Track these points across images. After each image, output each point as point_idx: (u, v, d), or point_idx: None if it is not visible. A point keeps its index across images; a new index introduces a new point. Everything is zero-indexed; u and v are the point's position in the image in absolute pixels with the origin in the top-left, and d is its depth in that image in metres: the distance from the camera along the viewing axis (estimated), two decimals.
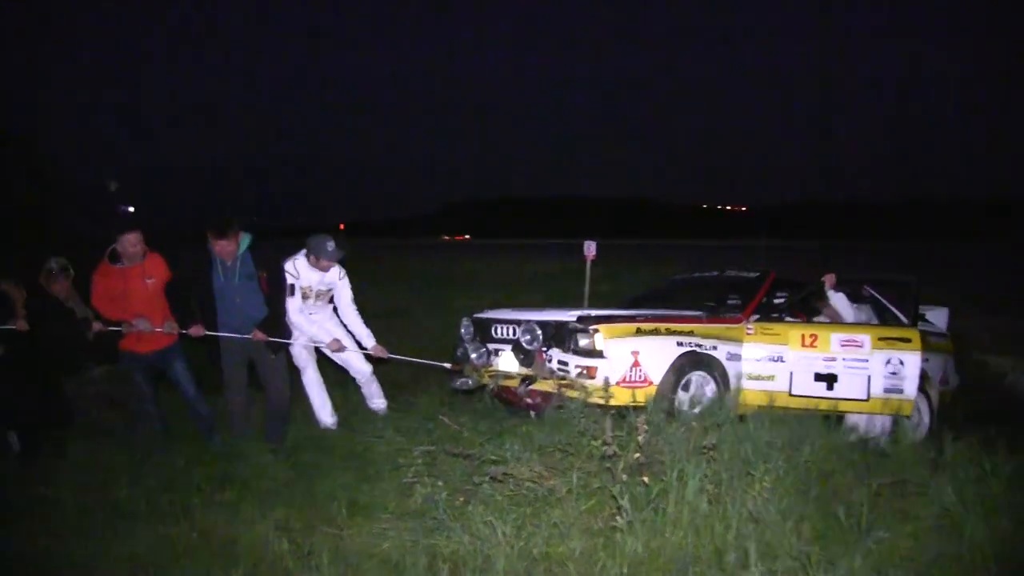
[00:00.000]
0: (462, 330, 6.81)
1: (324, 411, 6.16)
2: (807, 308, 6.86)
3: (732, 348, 6.21)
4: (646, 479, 3.74)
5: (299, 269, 6.00)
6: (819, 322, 6.74)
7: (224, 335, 5.68)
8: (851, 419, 6.35)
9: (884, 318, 6.91)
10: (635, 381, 5.68)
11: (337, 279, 6.22)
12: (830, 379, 6.24)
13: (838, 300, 6.72)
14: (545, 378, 5.75)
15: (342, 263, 6.23)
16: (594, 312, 6.12)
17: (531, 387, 5.86)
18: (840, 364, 6.25)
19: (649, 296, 7.74)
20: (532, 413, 6.34)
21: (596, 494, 3.88)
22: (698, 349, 5.99)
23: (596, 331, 5.72)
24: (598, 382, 5.53)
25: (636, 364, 5.72)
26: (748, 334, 6.34)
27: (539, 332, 6.05)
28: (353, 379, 6.47)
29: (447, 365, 6.47)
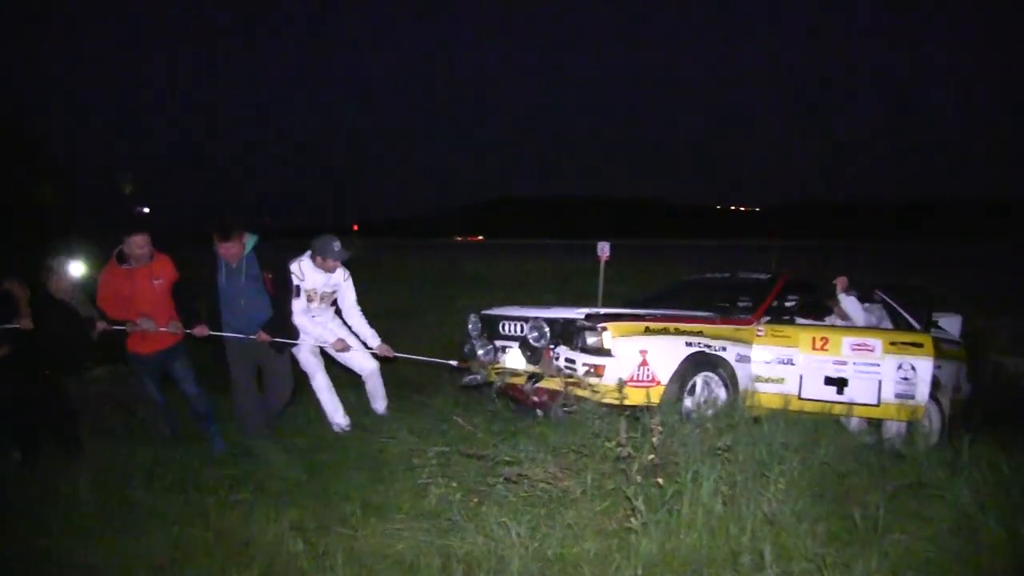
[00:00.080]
0: (469, 326, 6.79)
1: (337, 414, 6.15)
2: (818, 308, 6.84)
3: (742, 350, 6.18)
4: (660, 480, 3.73)
5: (304, 271, 6.00)
6: (830, 324, 6.71)
7: (229, 335, 5.70)
8: (854, 422, 6.33)
9: (896, 323, 6.85)
10: (643, 380, 5.65)
11: (342, 280, 6.23)
12: (840, 383, 6.19)
13: (849, 303, 6.69)
14: (552, 376, 5.72)
15: (347, 264, 6.24)
16: (603, 310, 6.10)
17: (538, 385, 5.84)
18: (851, 368, 6.21)
19: (660, 296, 7.70)
20: (539, 411, 6.33)
21: (610, 495, 3.87)
22: (707, 350, 5.95)
23: (604, 329, 5.69)
24: (605, 381, 5.53)
25: (644, 363, 5.69)
26: (758, 336, 6.31)
27: (547, 329, 6.02)
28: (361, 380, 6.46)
29: (454, 363, 6.46)
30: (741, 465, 3.96)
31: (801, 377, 6.23)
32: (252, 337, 5.68)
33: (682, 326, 6.01)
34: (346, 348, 6.13)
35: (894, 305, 6.96)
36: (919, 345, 6.31)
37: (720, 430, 4.37)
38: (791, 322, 6.53)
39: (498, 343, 6.50)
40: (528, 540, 3.59)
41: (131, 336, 5.67)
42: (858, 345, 6.25)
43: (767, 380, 6.16)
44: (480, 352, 6.45)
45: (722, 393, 5.93)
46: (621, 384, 4.96)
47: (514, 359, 6.16)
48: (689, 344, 5.89)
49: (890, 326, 6.87)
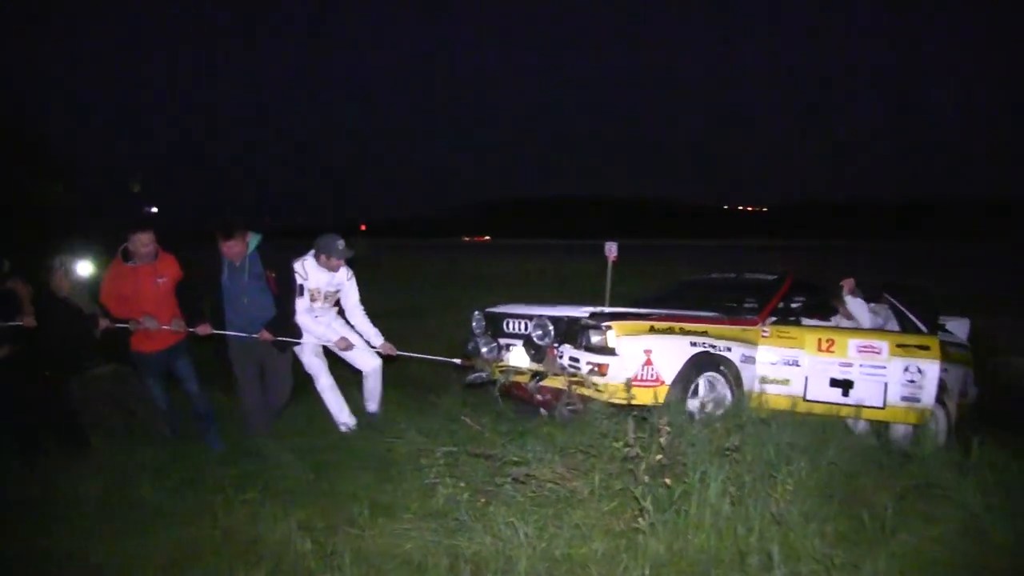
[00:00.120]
0: (473, 324, 6.77)
1: (343, 414, 6.15)
2: (823, 309, 6.81)
3: (747, 350, 6.15)
4: (668, 481, 3.73)
5: (308, 270, 6.00)
6: (835, 326, 6.69)
7: (232, 334, 5.71)
8: (860, 424, 6.31)
9: (903, 325, 6.82)
10: (647, 380, 5.62)
11: (345, 279, 6.23)
12: (846, 385, 6.16)
13: (856, 305, 6.66)
14: (555, 374, 5.72)
15: (351, 263, 6.24)
16: (607, 309, 6.08)
17: (541, 383, 5.83)
18: (856, 370, 6.17)
19: (666, 296, 7.65)
20: (542, 410, 6.31)
21: (618, 496, 3.88)
22: (711, 350, 5.93)
23: (608, 328, 5.66)
24: (609, 380, 5.51)
25: (648, 363, 5.65)
26: (763, 336, 6.29)
27: (551, 327, 5.99)
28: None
29: (457, 361, 6.46)
30: (749, 465, 3.96)
31: (806, 379, 6.20)
32: (255, 336, 5.68)
33: (687, 326, 5.98)
34: (349, 346, 6.13)
35: (900, 307, 6.93)
36: (926, 348, 6.28)
37: (728, 430, 4.36)
38: (797, 323, 6.51)
39: (502, 341, 6.48)
40: (536, 540, 3.59)
41: (135, 335, 5.68)
42: (864, 347, 6.22)
43: (772, 381, 6.13)
44: (484, 350, 6.45)
45: (727, 394, 5.90)
46: (629, 384, 4.95)
47: (518, 357, 6.14)
48: (694, 344, 5.87)
49: (896, 327, 6.84)
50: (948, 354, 6.72)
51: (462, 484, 4.13)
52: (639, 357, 5.65)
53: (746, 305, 6.69)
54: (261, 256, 5.76)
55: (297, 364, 6.17)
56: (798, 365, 6.22)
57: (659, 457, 3.80)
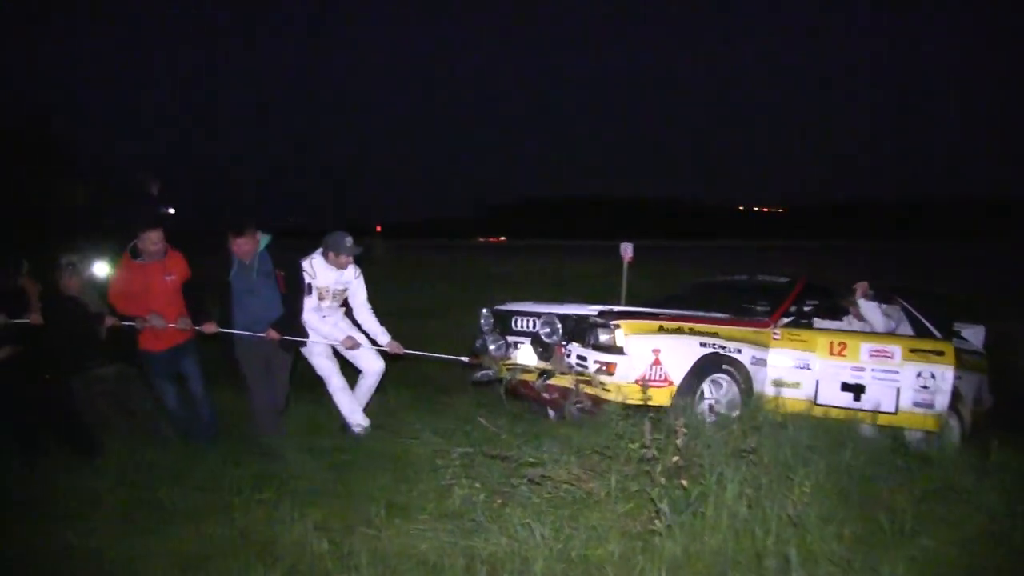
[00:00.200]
0: (482, 321, 6.73)
1: (355, 415, 6.12)
2: (836, 311, 6.76)
3: (757, 352, 6.09)
4: (685, 483, 3.71)
5: (316, 268, 5.98)
6: (848, 329, 6.63)
7: (239, 333, 5.71)
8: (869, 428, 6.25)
9: (917, 329, 6.73)
10: (655, 380, 5.56)
11: (353, 278, 6.20)
12: (857, 389, 6.10)
13: (869, 309, 6.60)
14: (563, 373, 5.69)
15: (358, 261, 6.23)
16: (616, 308, 6.00)
17: (548, 382, 5.79)
18: (869, 374, 6.11)
19: (677, 297, 7.57)
20: (549, 410, 6.28)
21: (634, 497, 3.86)
22: (721, 351, 5.87)
23: (617, 326, 5.61)
24: (617, 379, 5.48)
25: (657, 362, 5.60)
26: (775, 339, 6.23)
27: (559, 325, 5.94)
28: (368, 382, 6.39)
29: (465, 359, 6.43)
30: (766, 467, 3.94)
31: (817, 382, 6.13)
32: (261, 335, 5.69)
33: (697, 326, 5.92)
34: (356, 346, 6.08)
35: (913, 311, 6.85)
36: (940, 353, 6.22)
37: (744, 432, 4.34)
38: (809, 326, 6.46)
39: (510, 339, 6.44)
40: (552, 541, 3.58)
41: (142, 333, 5.70)
42: (877, 351, 6.16)
43: (783, 384, 6.02)
44: (492, 347, 6.41)
45: (736, 396, 5.85)
46: (647, 385, 4.92)
47: (525, 355, 6.12)
48: (704, 345, 5.81)
49: (909, 330, 6.77)
50: (963, 361, 6.63)
51: (478, 485, 4.12)
52: (647, 357, 5.60)
53: (758, 307, 6.64)
54: (270, 255, 5.76)
55: (305, 365, 6.18)
56: (809, 368, 6.16)
57: (676, 459, 3.79)
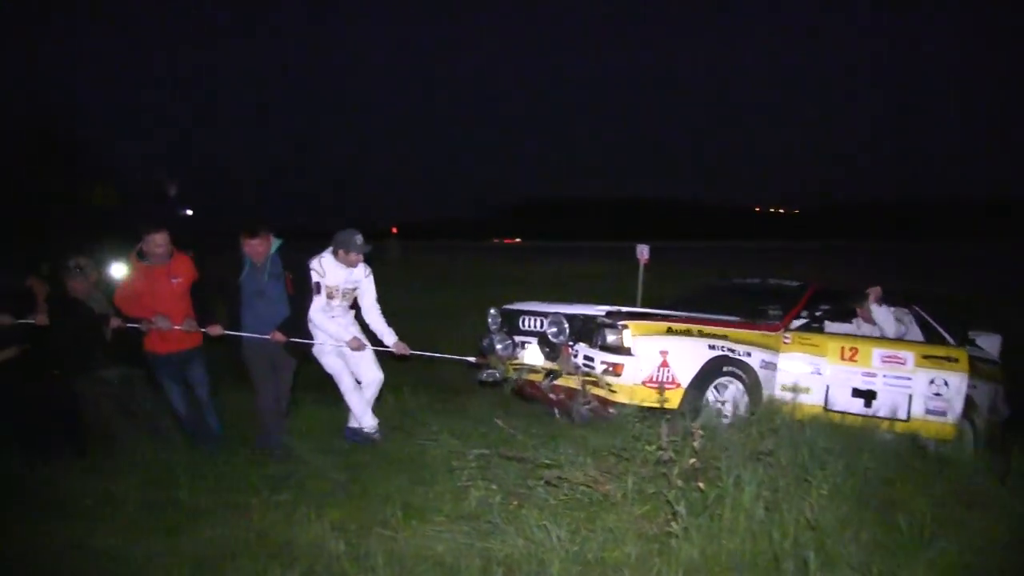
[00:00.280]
0: (489, 321, 6.71)
1: (366, 415, 6.10)
2: (845, 313, 6.71)
3: (767, 356, 6.05)
4: (702, 485, 3.70)
5: (325, 267, 5.94)
6: (856, 329, 6.58)
7: (243, 335, 5.71)
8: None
9: (930, 336, 6.67)
10: (662, 381, 5.53)
11: (363, 277, 6.16)
12: (868, 395, 6.06)
13: (881, 314, 6.55)
14: (569, 373, 5.67)
15: (368, 260, 6.20)
16: (624, 308, 5.98)
17: (555, 382, 5.77)
18: (880, 380, 6.07)
19: (688, 299, 7.50)
20: (556, 411, 6.26)
21: (651, 499, 3.85)
22: (730, 354, 5.84)
23: (625, 327, 5.59)
24: (623, 380, 5.46)
25: (664, 364, 5.58)
26: (785, 343, 6.19)
27: (566, 325, 5.91)
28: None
29: (471, 359, 6.41)
30: (783, 470, 3.92)
31: (828, 387, 6.09)
32: (266, 337, 5.69)
33: (706, 328, 5.89)
34: (361, 347, 6.03)
35: (927, 318, 6.78)
36: (954, 360, 6.16)
37: (762, 434, 4.33)
38: (820, 331, 6.41)
39: (517, 339, 6.42)
40: (568, 543, 3.58)
41: (148, 336, 5.72)
42: (889, 357, 6.11)
43: (792, 389, 5.97)
44: (499, 347, 6.40)
45: (744, 399, 5.82)
46: (662, 387, 4.90)
47: (532, 355, 6.10)
48: (712, 347, 5.79)
49: (918, 334, 6.70)
50: (978, 370, 6.56)
51: (494, 487, 4.13)
52: (655, 358, 5.58)
53: (769, 311, 6.59)
54: (281, 258, 5.76)
55: (313, 368, 6.19)
56: (820, 373, 6.12)
57: (692, 461, 3.77)
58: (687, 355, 5.69)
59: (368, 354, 6.12)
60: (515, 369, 6.00)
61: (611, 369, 5.54)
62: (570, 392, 5.69)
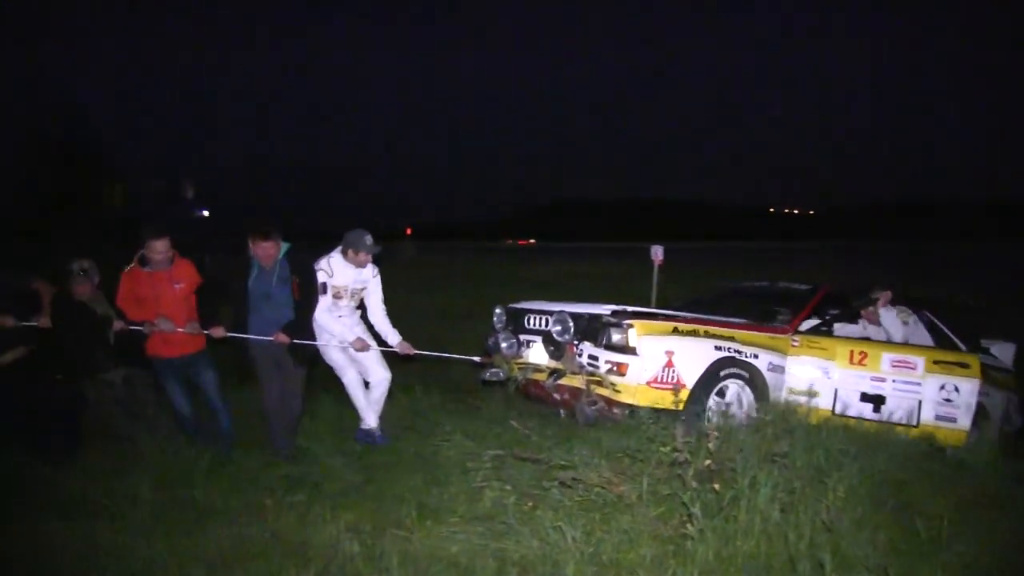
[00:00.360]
0: (494, 319, 6.70)
1: (369, 412, 6.09)
2: (853, 315, 6.68)
3: (775, 359, 5.98)
4: (717, 486, 3.69)
5: (333, 267, 5.92)
6: (863, 331, 6.54)
7: (248, 337, 5.71)
8: None
9: (939, 341, 6.60)
10: (667, 382, 5.48)
11: (371, 277, 6.13)
12: (877, 400, 6.01)
13: (890, 319, 6.50)
14: (574, 373, 5.64)
15: (377, 260, 6.17)
16: (630, 308, 5.91)
17: (559, 381, 5.74)
18: (889, 385, 6.02)
19: (698, 301, 7.48)
20: (560, 411, 6.24)
21: (666, 501, 3.84)
22: (737, 355, 5.77)
23: (630, 326, 5.54)
24: (628, 380, 5.43)
25: (670, 364, 5.52)
26: (793, 346, 6.13)
27: (571, 324, 5.88)
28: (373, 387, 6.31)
29: (476, 359, 6.38)
30: (799, 471, 3.91)
31: (836, 392, 6.04)
32: (270, 339, 5.68)
33: (712, 329, 5.83)
34: (366, 347, 6.01)
35: (938, 323, 6.72)
36: (965, 366, 6.11)
37: (777, 435, 4.31)
38: (829, 334, 6.37)
39: (522, 337, 6.40)
40: (583, 545, 3.58)
41: (152, 338, 5.71)
42: (899, 362, 6.06)
43: (800, 392, 5.89)
44: (503, 345, 6.38)
45: (751, 401, 5.77)
46: (678, 390, 4.88)
47: (537, 354, 6.08)
48: (718, 348, 5.73)
49: (925, 334, 6.63)
50: (990, 377, 6.50)
51: (509, 488, 4.13)
52: (660, 358, 5.53)
53: (777, 313, 6.56)
54: (289, 262, 5.76)
55: (326, 369, 6.20)
56: (828, 377, 6.06)
57: (708, 462, 3.76)
58: (693, 356, 5.64)
59: (374, 354, 6.11)
60: (519, 368, 5.97)
61: (615, 368, 5.50)
62: (574, 392, 5.67)
